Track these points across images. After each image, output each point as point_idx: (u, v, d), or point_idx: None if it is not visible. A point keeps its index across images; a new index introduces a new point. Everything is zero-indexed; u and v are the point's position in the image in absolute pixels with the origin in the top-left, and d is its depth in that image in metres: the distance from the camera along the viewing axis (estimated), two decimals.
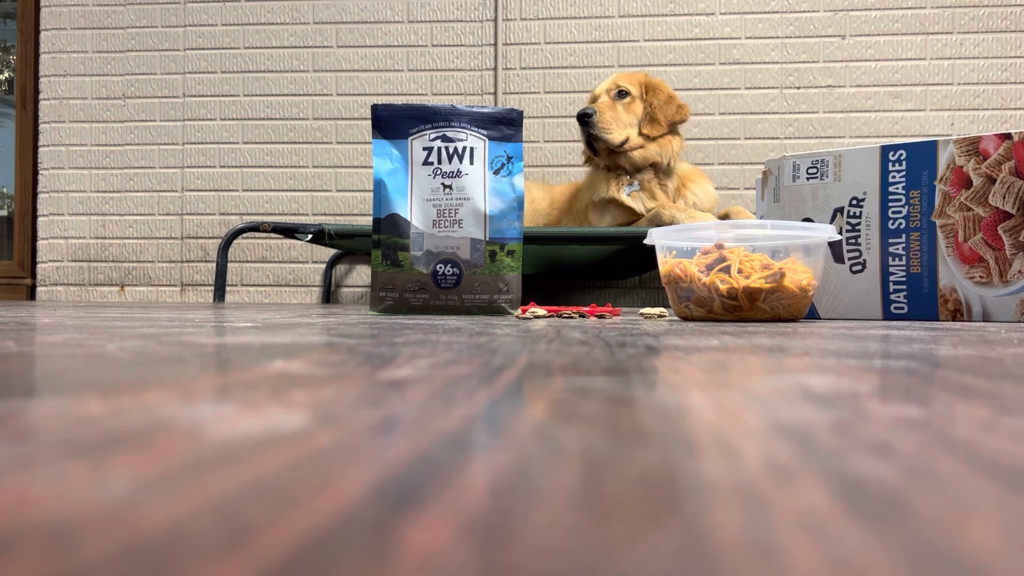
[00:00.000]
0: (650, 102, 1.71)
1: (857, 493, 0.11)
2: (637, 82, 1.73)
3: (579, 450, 0.14)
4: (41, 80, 2.23)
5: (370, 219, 2.13)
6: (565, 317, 0.91)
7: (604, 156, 1.71)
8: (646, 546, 0.09)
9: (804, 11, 2.04)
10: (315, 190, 2.16)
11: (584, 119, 1.66)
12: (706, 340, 0.48)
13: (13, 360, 0.31)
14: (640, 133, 1.70)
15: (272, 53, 2.18)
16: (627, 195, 1.69)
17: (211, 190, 2.19)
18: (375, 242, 1.01)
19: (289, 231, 1.71)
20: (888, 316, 0.97)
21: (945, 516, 0.10)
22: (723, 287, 0.82)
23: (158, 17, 2.21)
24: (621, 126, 1.68)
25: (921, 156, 0.95)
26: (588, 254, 1.74)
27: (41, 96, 2.24)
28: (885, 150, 0.97)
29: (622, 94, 1.70)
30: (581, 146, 2.04)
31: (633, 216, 1.70)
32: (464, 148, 1.02)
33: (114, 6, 2.22)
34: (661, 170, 1.72)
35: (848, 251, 0.99)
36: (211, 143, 2.19)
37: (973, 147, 0.92)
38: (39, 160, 2.24)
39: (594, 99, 1.72)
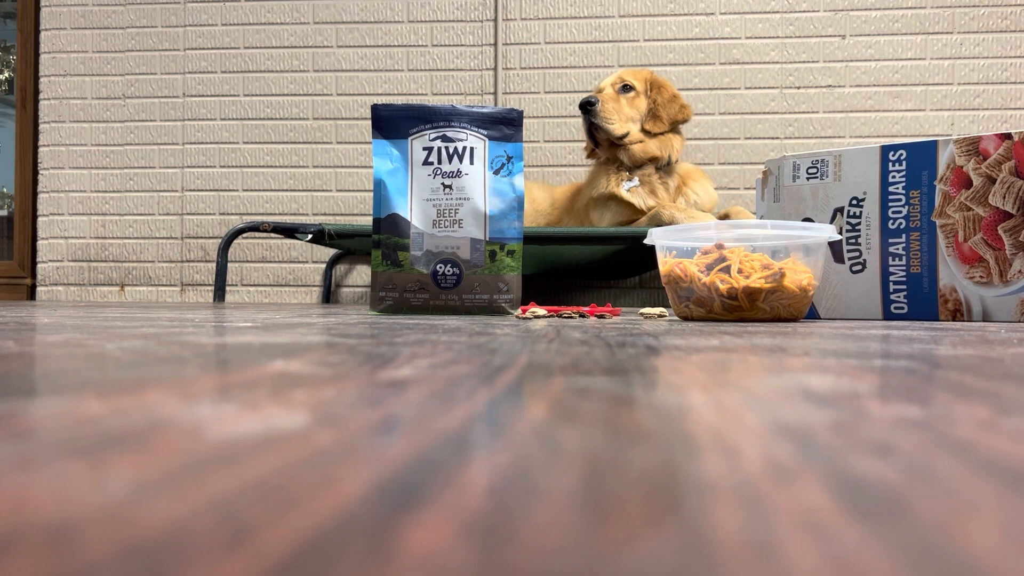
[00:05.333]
0: (654, 99, 1.71)
1: (857, 493, 0.11)
2: (642, 79, 1.73)
3: (579, 450, 0.14)
4: (41, 80, 2.23)
5: (370, 219, 2.13)
6: (565, 317, 0.91)
7: (605, 148, 1.71)
8: (646, 546, 0.09)
9: (804, 11, 2.04)
10: (315, 190, 2.16)
11: (587, 107, 1.66)
12: (706, 340, 0.48)
13: (13, 360, 0.31)
14: (642, 129, 1.70)
15: (272, 53, 2.17)
16: (626, 190, 1.69)
17: (211, 190, 2.19)
18: (375, 242, 1.01)
19: (289, 231, 1.71)
20: (888, 316, 0.97)
21: (945, 516, 0.10)
22: (723, 287, 0.82)
23: (158, 17, 2.21)
24: (623, 118, 1.68)
25: (921, 156, 0.95)
26: (588, 254, 1.73)
27: (41, 96, 2.24)
28: (885, 150, 0.97)
29: (626, 88, 1.71)
30: (581, 146, 2.04)
31: (634, 213, 1.70)
32: (464, 148, 1.02)
33: (114, 6, 2.22)
34: (661, 167, 1.72)
35: (848, 251, 0.99)
36: (211, 143, 2.19)
37: (973, 147, 0.92)
38: (39, 160, 2.24)
39: (599, 91, 1.72)
